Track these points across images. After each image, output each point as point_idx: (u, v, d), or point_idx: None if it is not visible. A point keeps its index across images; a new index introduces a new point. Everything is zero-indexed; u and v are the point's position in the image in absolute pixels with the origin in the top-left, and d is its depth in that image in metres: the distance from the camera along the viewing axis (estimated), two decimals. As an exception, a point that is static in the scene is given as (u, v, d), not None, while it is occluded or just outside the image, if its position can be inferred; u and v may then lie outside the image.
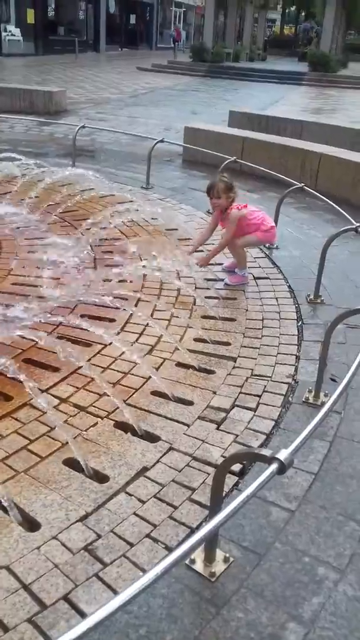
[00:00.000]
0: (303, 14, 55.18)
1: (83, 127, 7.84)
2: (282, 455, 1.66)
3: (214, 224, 4.63)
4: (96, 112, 13.32)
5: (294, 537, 2.16)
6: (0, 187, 6.25)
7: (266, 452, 1.71)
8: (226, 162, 6.32)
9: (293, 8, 57.80)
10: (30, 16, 28.89)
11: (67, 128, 9.90)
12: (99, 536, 2.12)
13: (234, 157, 6.47)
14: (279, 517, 2.26)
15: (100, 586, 1.93)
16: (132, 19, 41.63)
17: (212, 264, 4.76)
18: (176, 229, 5.46)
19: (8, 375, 2.81)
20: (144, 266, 4.46)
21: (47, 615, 1.81)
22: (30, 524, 2.17)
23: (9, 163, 6.49)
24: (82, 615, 1.80)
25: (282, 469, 1.65)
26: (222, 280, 4.48)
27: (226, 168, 6.29)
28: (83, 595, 1.89)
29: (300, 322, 3.91)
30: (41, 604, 1.85)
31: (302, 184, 5.32)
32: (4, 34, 27.50)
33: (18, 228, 5.27)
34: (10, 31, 28.04)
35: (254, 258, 4.99)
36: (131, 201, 6.08)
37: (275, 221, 5.33)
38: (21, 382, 2.67)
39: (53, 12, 31.86)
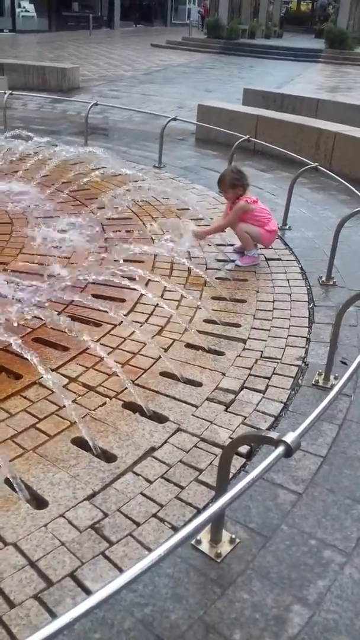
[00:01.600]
0: (321, -11, 53.81)
1: (95, 104, 7.74)
2: (289, 438, 1.64)
3: (226, 213, 4.60)
4: (109, 89, 13.17)
5: (300, 520, 2.15)
6: (12, 165, 6.20)
7: (273, 434, 1.69)
8: (239, 140, 6.22)
9: (310, -17, 56.40)
10: (44, -9, 28.52)
11: (80, 105, 9.80)
12: (106, 515, 2.13)
13: (248, 136, 6.36)
14: (286, 499, 2.25)
15: (106, 564, 1.93)
16: (147, -6, 40.93)
17: (222, 245, 4.71)
18: (188, 209, 5.40)
19: (18, 354, 2.80)
20: (155, 246, 4.43)
21: (53, 592, 1.82)
22: (38, 502, 2.18)
23: (21, 141, 6.43)
24: (88, 592, 1.81)
25: (289, 451, 1.63)
26: (233, 261, 4.43)
27: (239, 147, 6.20)
28: (89, 573, 1.89)
29: (311, 304, 3.86)
30: (47, 581, 1.86)
31: (316, 164, 5.22)
32: (17, 9, 27.20)
33: (29, 206, 5.24)
34: (24, 7, 27.74)
35: (266, 239, 4.92)
36: (143, 180, 6.01)
37: (288, 201, 5.26)
38: (30, 361, 2.66)
39: (67, -12, 31.43)
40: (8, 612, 1.75)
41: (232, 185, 4.31)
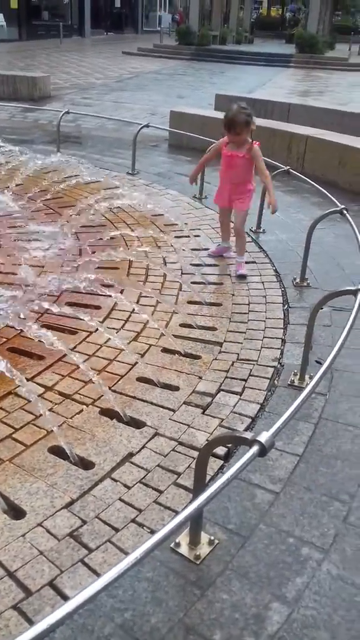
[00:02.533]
0: (290, -5, 54.59)
1: (67, 112, 7.75)
2: (263, 437, 1.66)
3: (211, 157, 4.55)
4: (81, 97, 13.18)
5: (278, 519, 2.18)
6: (-17, 175, 6.17)
7: (247, 434, 1.71)
8: (212, 146, 6.26)
9: (280, -11, 57.17)
10: (14, 1, 28.42)
11: (52, 114, 9.79)
12: (84, 522, 2.13)
13: (220, 140, 6.40)
14: (264, 499, 2.27)
15: (85, 571, 1.93)
16: (117, 2, 41.04)
17: (197, 249, 4.75)
18: (162, 214, 5.43)
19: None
20: (129, 252, 4.44)
21: (32, 601, 1.82)
22: (16, 512, 2.17)
23: (-8, 150, 6.42)
24: (67, 600, 1.80)
25: (263, 451, 1.65)
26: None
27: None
28: (68, 581, 1.89)
29: (286, 306, 3.91)
30: (26, 591, 1.85)
31: (288, 167, 5.29)
32: (-14, 19, 27.07)
33: (2, 216, 5.22)
34: (-7, 16, 27.60)
35: (240, 242, 4.97)
36: (117, 187, 6.03)
37: (261, 205, 5.31)
38: (5, 371, 2.65)
39: (36, -4, 31.38)
40: (-14, 623, 1.74)
41: (247, 122, 4.00)
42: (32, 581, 1.89)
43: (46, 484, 2.29)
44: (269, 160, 5.86)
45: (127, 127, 8.91)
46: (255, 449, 1.66)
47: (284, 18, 50.18)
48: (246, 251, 4.75)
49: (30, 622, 1.74)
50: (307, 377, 3.06)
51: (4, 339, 3.31)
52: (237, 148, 4.14)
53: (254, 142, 4.09)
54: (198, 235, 5.07)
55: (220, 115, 8.88)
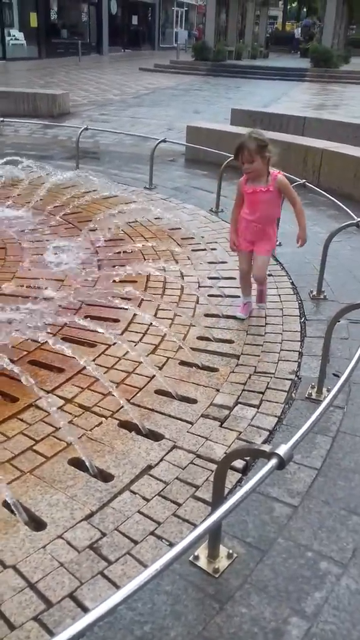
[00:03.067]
0: (304, 9, 54.95)
1: (86, 129, 7.85)
2: (282, 450, 1.66)
3: (239, 202, 3.72)
4: (99, 113, 13.34)
5: (297, 533, 2.17)
6: (4, 190, 6.28)
7: (266, 447, 1.71)
8: (228, 160, 6.30)
9: (294, 4, 57.61)
10: (33, 20, 28.94)
11: (71, 130, 9.92)
12: (104, 534, 2.14)
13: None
14: (282, 512, 2.26)
15: (105, 584, 1.94)
16: (134, 19, 41.62)
17: (214, 262, 4.77)
18: (179, 228, 5.46)
19: (14, 377, 2.83)
20: (147, 266, 4.47)
21: (52, 613, 1.83)
22: (36, 524, 2.19)
23: (13, 166, 6.52)
24: (88, 612, 1.81)
25: (282, 463, 1.65)
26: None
27: (229, 166, 6.28)
28: (88, 593, 1.90)
29: (303, 319, 3.90)
30: (47, 602, 1.86)
31: (304, 180, 5.30)
32: (7, 38, 27.57)
33: (22, 231, 5.29)
34: (13, 35, 28.11)
35: (257, 255, 4.98)
36: (134, 202, 6.09)
37: (278, 218, 5.31)
38: (26, 384, 2.68)
39: (56, 15, 31.91)
40: (9, 634, 1.75)
41: (260, 147, 3.38)
42: (53, 592, 1.90)
43: (66, 496, 2.31)
44: (285, 173, 5.88)
45: (145, 143, 9.00)
46: (274, 461, 1.66)
47: (298, 33, 50.47)
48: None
49: (51, 634, 1.75)
50: (324, 390, 3.04)
51: (25, 352, 3.35)
52: (258, 181, 3.52)
53: (274, 172, 3.54)
54: (215, 249, 5.09)
55: (237, 129, 8.97)
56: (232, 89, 21.65)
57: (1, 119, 8.51)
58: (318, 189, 5.28)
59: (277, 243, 5.27)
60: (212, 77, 26.27)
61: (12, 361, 2.89)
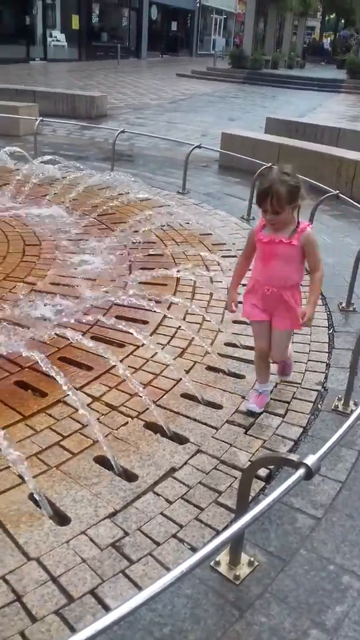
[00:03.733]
0: (342, 21, 54.63)
1: (123, 131, 7.90)
2: (310, 460, 1.64)
3: (249, 253, 2.88)
4: (136, 117, 13.42)
5: (319, 545, 2.14)
6: (41, 188, 6.35)
7: (294, 456, 1.70)
8: (262, 168, 6.29)
9: (333, 16, 57.29)
10: (75, 22, 29.29)
11: (107, 132, 10.01)
12: (127, 534, 2.14)
13: (270, 164, 6.42)
14: (305, 524, 2.24)
15: (126, 583, 1.94)
16: (174, 25, 41.81)
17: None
18: (210, 234, 5.46)
19: (44, 372, 2.85)
20: (178, 270, 4.48)
21: (74, 608, 1.83)
22: (60, 518, 2.20)
23: (50, 166, 6.60)
24: (108, 610, 1.81)
25: (309, 474, 1.63)
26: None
27: (262, 175, 6.26)
28: (109, 590, 1.90)
29: (331, 330, 3.86)
30: (69, 597, 1.87)
31: (337, 192, 5.26)
32: (49, 39, 27.94)
33: (57, 229, 5.35)
34: (55, 37, 28.49)
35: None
36: (167, 205, 6.11)
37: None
38: (56, 379, 2.71)
39: (97, 19, 32.25)
40: (30, 626, 1.76)
41: (292, 195, 2.53)
42: (75, 588, 1.90)
43: (91, 493, 2.32)
44: (317, 183, 5.85)
45: (179, 147, 9.01)
46: (301, 471, 1.64)
47: (336, 44, 50.20)
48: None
49: (72, 629, 1.75)
50: (351, 402, 3.01)
51: (55, 349, 3.38)
52: (280, 232, 2.67)
53: (303, 223, 2.67)
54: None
55: (271, 138, 8.94)
56: (267, 97, 21.60)
57: (40, 118, 8.62)
58: (351, 200, 5.23)
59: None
60: (248, 85, 26.24)
61: (43, 357, 2.92)
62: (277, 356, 2.96)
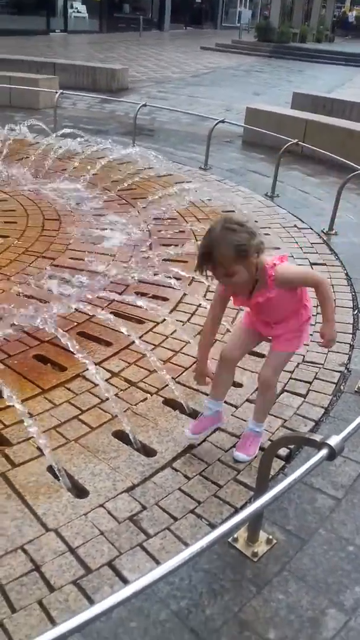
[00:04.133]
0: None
1: (144, 105, 7.83)
2: (333, 441, 1.64)
3: (219, 307, 2.39)
4: (157, 90, 13.28)
5: (339, 525, 2.15)
6: (61, 163, 6.34)
7: (317, 437, 1.70)
8: (288, 144, 6.20)
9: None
10: (97, -7, 28.92)
11: (128, 106, 9.91)
12: (144, 508, 2.16)
13: (296, 140, 6.33)
14: (325, 504, 2.24)
15: (143, 556, 1.97)
16: (198, -3, 41.06)
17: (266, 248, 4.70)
18: (233, 211, 5.41)
19: (63, 347, 2.88)
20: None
21: (91, 579, 1.87)
22: (79, 491, 2.23)
23: (70, 139, 6.57)
24: (125, 582, 1.85)
25: (332, 454, 1.63)
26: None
27: (287, 151, 6.17)
28: (127, 563, 1.93)
29: (356, 311, 3.83)
30: (86, 568, 1.91)
31: (366, 170, 5.17)
32: (70, 10, 27.65)
33: (77, 204, 5.34)
34: (76, 8, 28.17)
35: (311, 244, 4.90)
36: (189, 181, 6.06)
37: (336, 206, 5.21)
38: (75, 354, 2.73)
39: (119, -10, 31.80)
40: (48, 595, 1.80)
41: (240, 252, 2.04)
42: (92, 559, 1.94)
43: (109, 467, 2.35)
44: (345, 160, 5.74)
45: (202, 122, 8.90)
46: (324, 452, 1.64)
47: (352, 17, 48.99)
48: (316, 252, 4.67)
49: (89, 599, 1.79)
50: (375, 384, 2.99)
51: (75, 323, 3.40)
52: (243, 292, 2.25)
53: (268, 264, 2.16)
54: (268, 234, 5.03)
55: (298, 113, 8.79)
56: (294, 72, 21.20)
57: (60, 91, 8.57)
58: (380, 179, 5.14)
59: (333, 232, 5.17)
60: (274, 59, 25.76)
61: (62, 332, 2.94)
62: (264, 373, 2.43)
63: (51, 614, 1.74)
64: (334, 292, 4.07)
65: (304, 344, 2.27)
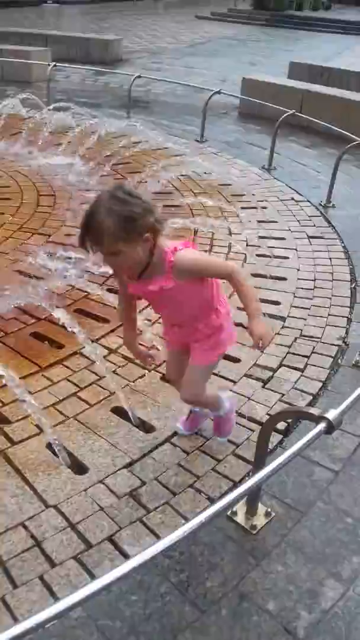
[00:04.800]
0: None
1: (139, 77, 7.69)
2: (331, 415, 1.64)
3: (127, 302, 2.16)
4: (152, 62, 13.04)
5: (336, 498, 2.16)
6: (54, 137, 6.24)
7: (315, 410, 1.70)
8: (284, 115, 6.10)
9: None
10: None
11: (123, 78, 9.71)
12: (144, 483, 2.18)
13: (293, 111, 6.23)
14: (322, 477, 2.26)
15: (143, 530, 1.98)
16: None
17: (264, 221, 4.67)
18: (230, 184, 5.35)
19: (60, 324, 2.86)
20: (195, 221, 4.42)
21: (92, 554, 1.89)
22: (78, 468, 2.24)
23: (63, 113, 6.46)
24: (126, 556, 1.86)
25: (330, 428, 1.63)
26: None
27: (284, 122, 6.08)
28: (127, 537, 1.95)
29: (354, 284, 3.81)
30: (87, 543, 1.92)
31: (364, 141, 5.09)
32: (61, -21, 26.99)
33: (72, 179, 5.27)
34: (68, -23, 27.49)
35: (309, 216, 4.86)
36: (184, 154, 5.98)
37: (333, 178, 5.15)
38: (72, 331, 2.71)
39: None
40: (49, 570, 1.82)
41: (128, 229, 1.70)
42: (93, 535, 1.95)
43: (108, 443, 2.35)
44: (343, 132, 5.65)
45: (197, 94, 8.76)
46: (322, 426, 1.64)
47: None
48: (313, 225, 4.63)
49: (90, 573, 1.81)
50: (372, 357, 2.98)
51: (71, 300, 3.38)
52: (144, 277, 1.89)
53: (168, 249, 1.83)
54: (265, 207, 4.98)
55: (295, 84, 8.64)
56: (291, 41, 20.78)
57: (53, 63, 8.39)
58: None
59: (331, 204, 5.11)
60: (270, 28, 25.21)
61: (58, 309, 2.92)
62: (183, 393, 2.23)
63: (53, 589, 1.76)
64: (331, 265, 4.05)
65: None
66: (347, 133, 5.60)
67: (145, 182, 5.15)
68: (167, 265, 1.83)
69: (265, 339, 1.87)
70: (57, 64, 8.54)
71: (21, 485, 2.13)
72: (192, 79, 10.70)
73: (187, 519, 2.02)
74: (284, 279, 3.83)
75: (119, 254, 1.74)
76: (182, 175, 5.46)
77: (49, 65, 8.25)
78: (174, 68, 12.37)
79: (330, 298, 3.61)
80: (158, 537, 1.94)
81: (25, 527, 1.96)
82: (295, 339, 3.18)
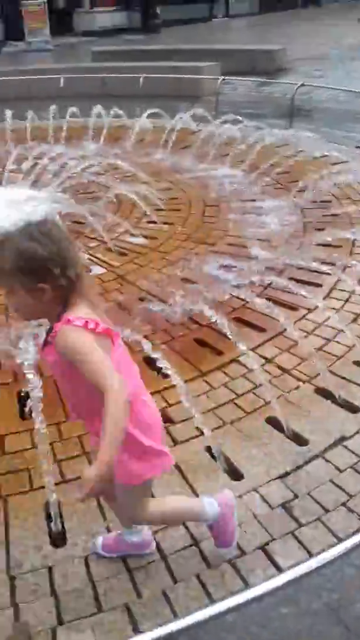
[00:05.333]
0: None
1: (302, 85, 7.45)
2: None
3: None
4: (314, 68, 12.56)
5: None
6: (221, 149, 6.28)
7: None
8: None
9: None
10: (256, -25, 27.97)
11: (286, 87, 9.50)
12: (296, 496, 2.11)
13: None
14: None
15: (295, 544, 1.92)
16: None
17: None
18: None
19: (220, 331, 2.88)
20: (354, 231, 4.18)
21: (245, 560, 1.87)
22: (234, 473, 2.24)
23: (230, 125, 6.48)
24: (277, 567, 1.82)
25: None
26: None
27: None
28: (279, 549, 1.90)
29: None
30: (240, 549, 1.91)
31: None
32: (230, -5, 27.15)
33: (235, 190, 5.28)
34: (236, -8, 27.58)
35: None
36: (345, 162, 5.69)
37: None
38: (232, 339, 2.71)
39: (277, -32, 30.38)
40: (205, 571, 1.84)
41: (19, 267, 1.38)
42: (247, 542, 1.94)
43: (262, 452, 2.32)
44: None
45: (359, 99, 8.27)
46: None
47: None
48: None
49: (243, 579, 1.79)
50: None
51: (231, 309, 3.38)
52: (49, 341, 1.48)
53: (70, 317, 1.41)
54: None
55: None
56: None
57: (222, 77, 8.45)
58: None
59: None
60: None
61: (220, 317, 2.93)
62: (121, 521, 1.86)
63: (209, 590, 1.77)
64: None
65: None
66: None
67: (305, 190, 4.98)
68: (54, 330, 1.43)
69: (84, 486, 1.26)
70: (225, 78, 8.59)
71: (182, 484, 2.18)
72: (356, 85, 10.14)
73: (339, 538, 1.93)
74: None
75: (13, 294, 1.44)
76: (342, 183, 5.20)
77: (217, 79, 8.32)
78: (336, 73, 11.81)
79: None
80: (309, 553, 1.87)
81: (185, 526, 2.00)
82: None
